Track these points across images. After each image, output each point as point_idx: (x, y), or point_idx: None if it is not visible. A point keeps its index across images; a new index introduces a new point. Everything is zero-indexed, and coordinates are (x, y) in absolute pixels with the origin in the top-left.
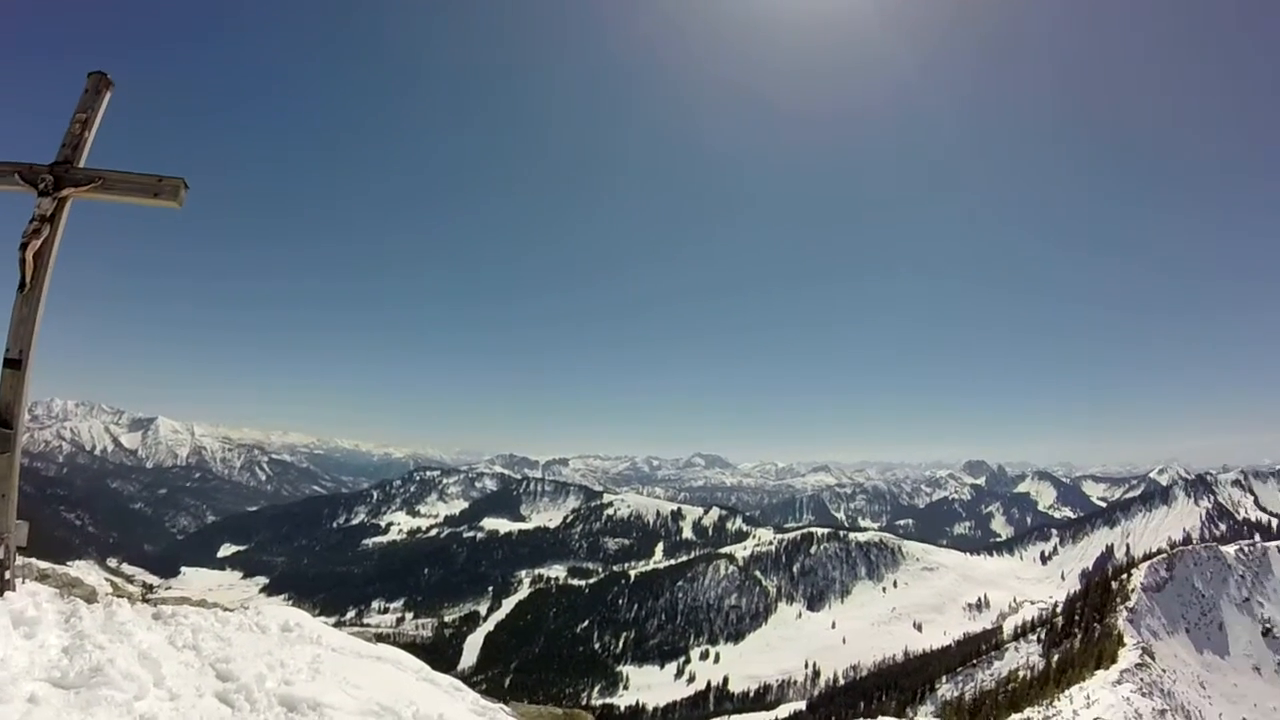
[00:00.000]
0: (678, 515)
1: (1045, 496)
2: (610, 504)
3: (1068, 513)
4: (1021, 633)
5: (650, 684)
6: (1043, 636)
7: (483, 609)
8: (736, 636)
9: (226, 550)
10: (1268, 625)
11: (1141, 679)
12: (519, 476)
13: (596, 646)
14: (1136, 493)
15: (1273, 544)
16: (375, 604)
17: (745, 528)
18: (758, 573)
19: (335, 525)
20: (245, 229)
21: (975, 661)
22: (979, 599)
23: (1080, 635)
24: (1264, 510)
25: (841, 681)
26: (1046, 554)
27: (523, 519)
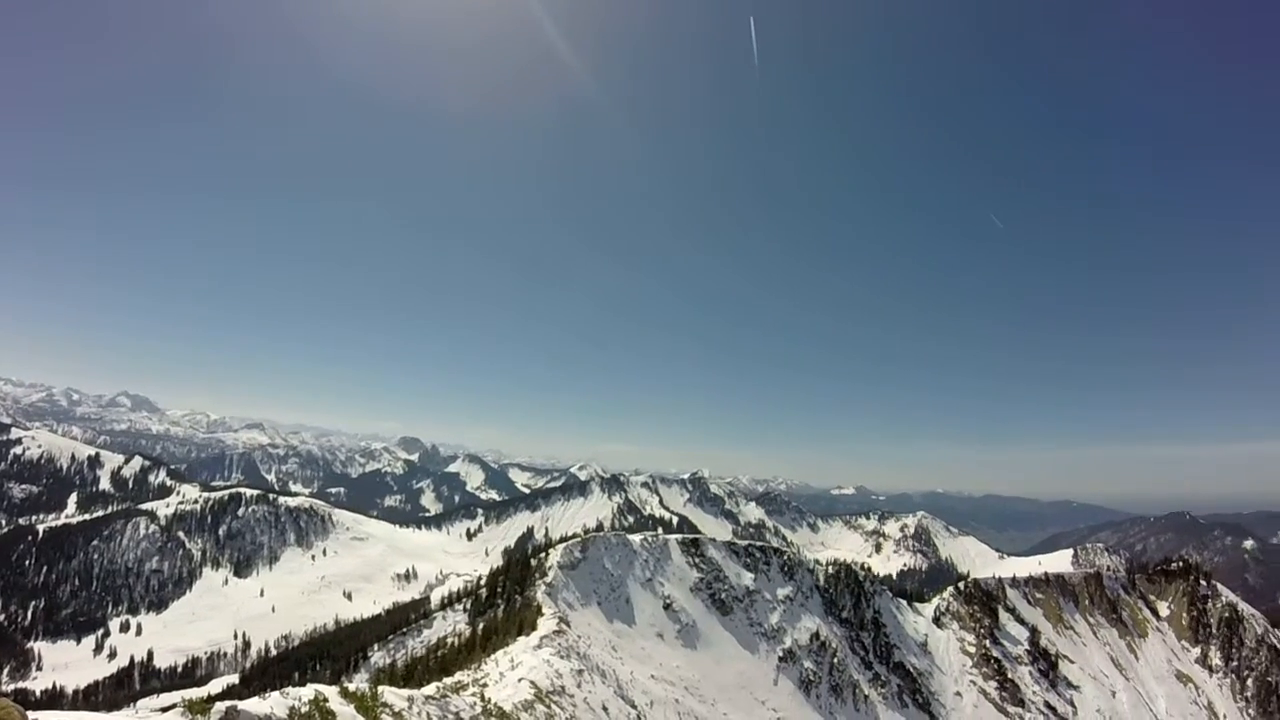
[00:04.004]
0: (96, 462)
1: (475, 478)
2: (19, 441)
3: (494, 495)
4: (449, 603)
5: (67, 662)
6: (469, 606)
7: None
8: (160, 605)
9: None
10: (668, 601)
11: (560, 644)
12: None
13: (1, 618)
14: (558, 484)
15: (672, 536)
16: None
17: (170, 482)
18: (181, 534)
19: None
20: None
21: (406, 630)
22: (408, 570)
23: (503, 606)
24: (667, 509)
25: (274, 652)
26: (473, 531)
27: None
